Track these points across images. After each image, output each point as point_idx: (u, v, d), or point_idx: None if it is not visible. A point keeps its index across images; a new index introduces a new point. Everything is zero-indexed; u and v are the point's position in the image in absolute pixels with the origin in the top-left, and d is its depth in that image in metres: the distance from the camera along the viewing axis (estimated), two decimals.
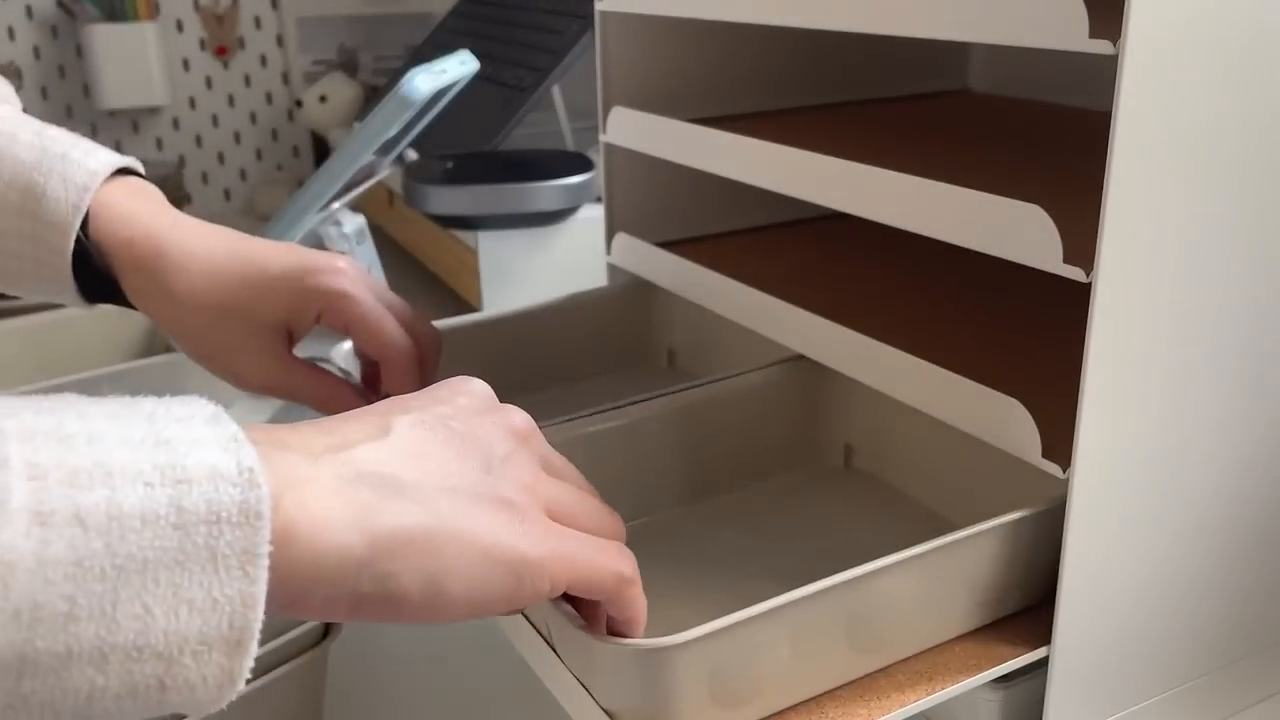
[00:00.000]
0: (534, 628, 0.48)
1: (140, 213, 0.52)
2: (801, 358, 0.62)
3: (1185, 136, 0.42)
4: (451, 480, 0.34)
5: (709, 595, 0.55)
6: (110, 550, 0.26)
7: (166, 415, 0.29)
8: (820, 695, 0.45)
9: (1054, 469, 0.45)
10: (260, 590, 0.28)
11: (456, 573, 0.33)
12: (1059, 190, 0.54)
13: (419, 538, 0.32)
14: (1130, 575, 0.48)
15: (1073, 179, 0.57)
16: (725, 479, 0.63)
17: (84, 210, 0.49)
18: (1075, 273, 0.42)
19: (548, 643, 0.47)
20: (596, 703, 0.43)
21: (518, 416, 0.40)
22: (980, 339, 0.59)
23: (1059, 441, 0.45)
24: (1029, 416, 0.46)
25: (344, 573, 0.31)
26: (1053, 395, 0.49)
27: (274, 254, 0.54)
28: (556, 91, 1.10)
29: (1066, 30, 0.41)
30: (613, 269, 0.78)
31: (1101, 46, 0.40)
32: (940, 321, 0.62)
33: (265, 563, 0.28)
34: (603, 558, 0.37)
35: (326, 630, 0.54)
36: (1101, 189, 0.41)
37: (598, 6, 0.72)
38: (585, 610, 0.41)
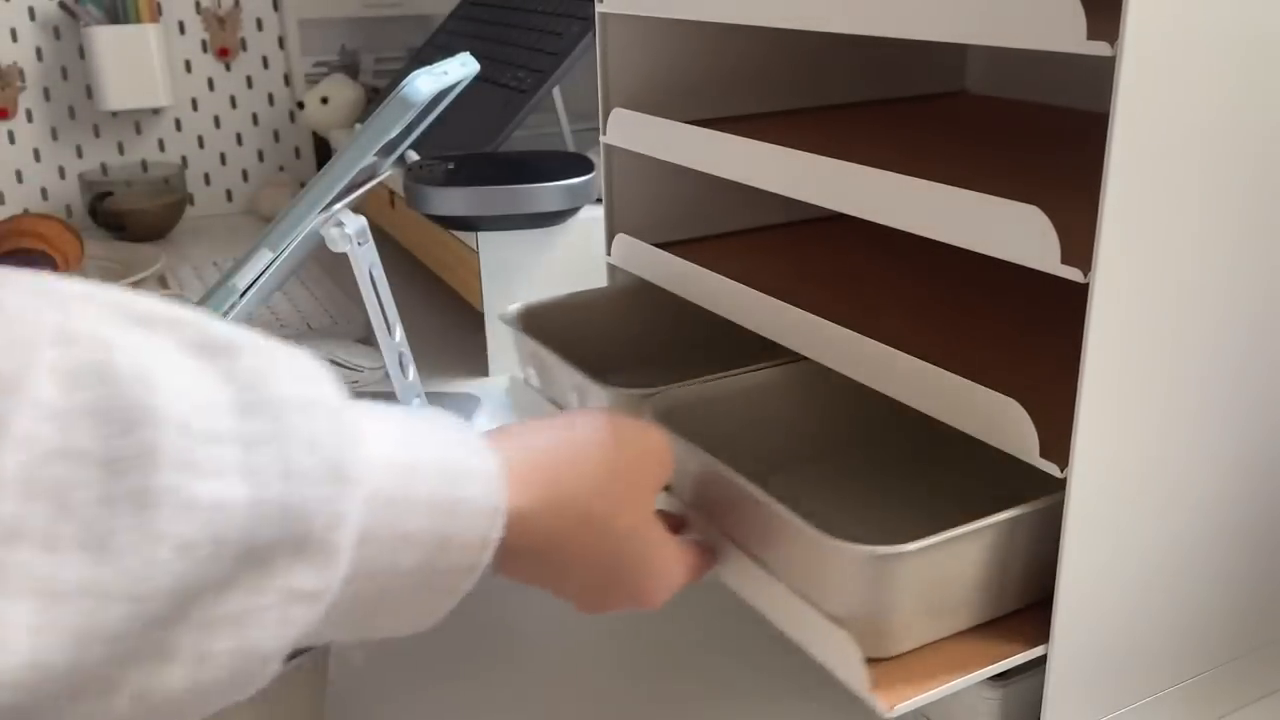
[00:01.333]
0: (739, 549, 0.53)
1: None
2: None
3: (1183, 137, 0.42)
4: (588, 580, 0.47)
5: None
6: (380, 590, 0.36)
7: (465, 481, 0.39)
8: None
9: (1052, 468, 0.46)
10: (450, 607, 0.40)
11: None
12: (1057, 191, 0.54)
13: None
14: (1128, 574, 0.49)
15: (1070, 180, 0.57)
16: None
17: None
18: (1073, 273, 0.43)
19: (756, 560, 0.52)
20: (821, 611, 0.48)
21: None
22: (979, 339, 0.60)
23: (1057, 440, 0.46)
24: (1026, 416, 0.46)
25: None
26: (1051, 395, 0.49)
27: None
28: (557, 93, 1.10)
29: (1064, 32, 0.41)
30: (613, 269, 0.78)
31: (1099, 48, 0.40)
32: (939, 321, 0.62)
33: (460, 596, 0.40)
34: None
35: None
36: (1099, 190, 0.41)
37: (598, 8, 0.72)
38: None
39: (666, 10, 0.65)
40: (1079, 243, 0.42)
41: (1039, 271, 0.44)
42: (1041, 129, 0.72)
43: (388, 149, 0.85)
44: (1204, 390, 0.47)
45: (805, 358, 0.60)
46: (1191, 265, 0.45)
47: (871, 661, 0.46)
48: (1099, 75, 0.41)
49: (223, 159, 1.61)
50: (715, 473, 0.54)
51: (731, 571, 0.54)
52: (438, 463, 0.38)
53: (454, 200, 0.96)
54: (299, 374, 0.33)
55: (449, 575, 0.38)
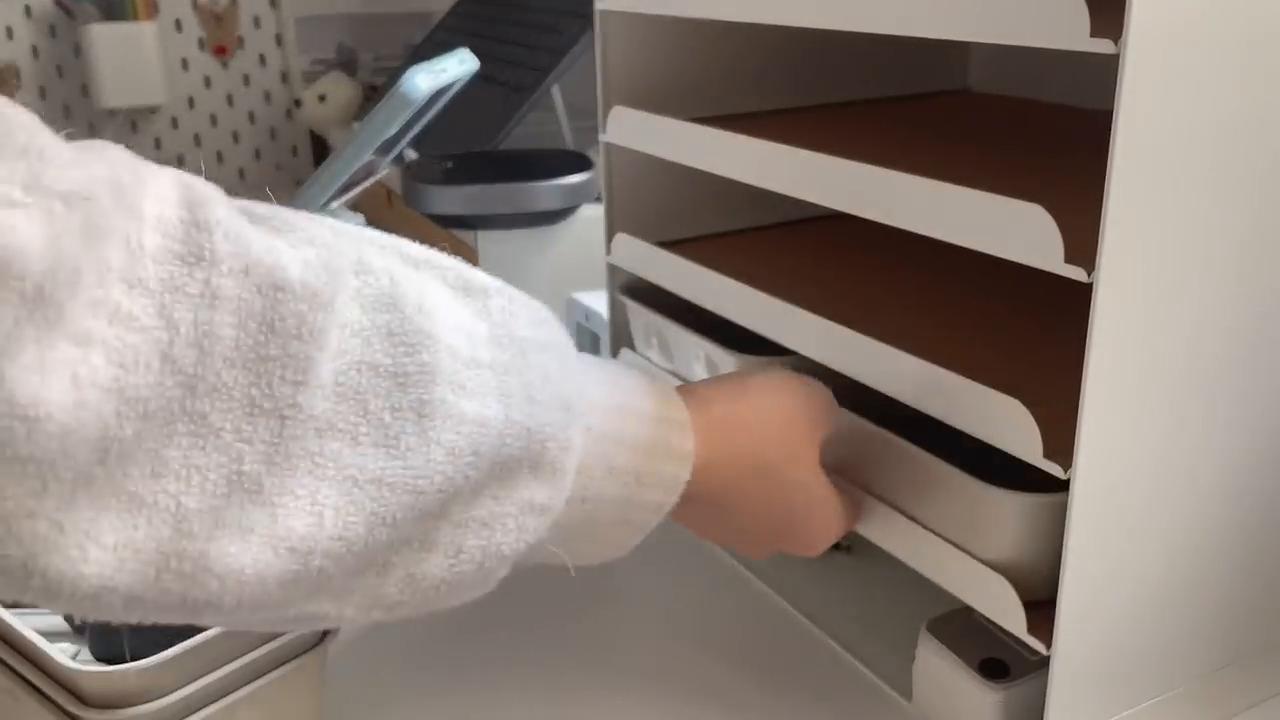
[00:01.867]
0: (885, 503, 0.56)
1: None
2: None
3: (1187, 136, 0.42)
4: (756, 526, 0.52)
5: None
6: (589, 518, 0.43)
7: (666, 427, 0.45)
8: None
9: (1055, 469, 0.45)
10: (674, 496, 0.45)
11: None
12: (1060, 190, 0.54)
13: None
14: (1132, 574, 0.48)
15: (1074, 179, 0.57)
16: None
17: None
18: (1076, 273, 0.42)
19: (902, 513, 0.55)
20: (976, 557, 0.51)
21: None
22: (981, 338, 0.59)
23: (1061, 441, 0.45)
24: (1030, 417, 0.46)
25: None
26: (1054, 395, 0.49)
27: None
28: (556, 91, 1.10)
29: (1067, 29, 0.41)
30: (612, 269, 0.77)
31: (1103, 46, 0.39)
32: (941, 321, 0.62)
33: (681, 482, 0.45)
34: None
35: (325, 631, 0.54)
36: (1102, 189, 0.41)
37: (597, 6, 0.72)
38: None
39: (666, 8, 0.65)
40: (1082, 242, 0.42)
41: (1043, 271, 0.44)
42: (1045, 127, 0.72)
43: (386, 147, 0.85)
44: (1209, 390, 0.47)
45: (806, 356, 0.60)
46: (1196, 264, 0.44)
47: (1026, 604, 0.49)
48: (1103, 73, 0.41)
49: (219, 157, 1.61)
50: (864, 430, 0.57)
51: (878, 524, 0.57)
52: (641, 411, 0.43)
53: (453, 199, 0.96)
54: (537, 318, 0.39)
55: (641, 510, 0.43)
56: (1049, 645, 0.48)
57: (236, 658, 0.49)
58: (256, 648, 0.50)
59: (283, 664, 0.52)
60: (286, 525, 0.29)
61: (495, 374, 0.35)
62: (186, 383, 0.27)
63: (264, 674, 0.51)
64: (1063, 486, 0.46)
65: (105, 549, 0.27)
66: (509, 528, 0.36)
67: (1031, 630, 0.48)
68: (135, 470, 0.27)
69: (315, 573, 0.31)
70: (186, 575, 0.28)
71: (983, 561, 0.51)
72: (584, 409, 0.39)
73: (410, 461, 0.32)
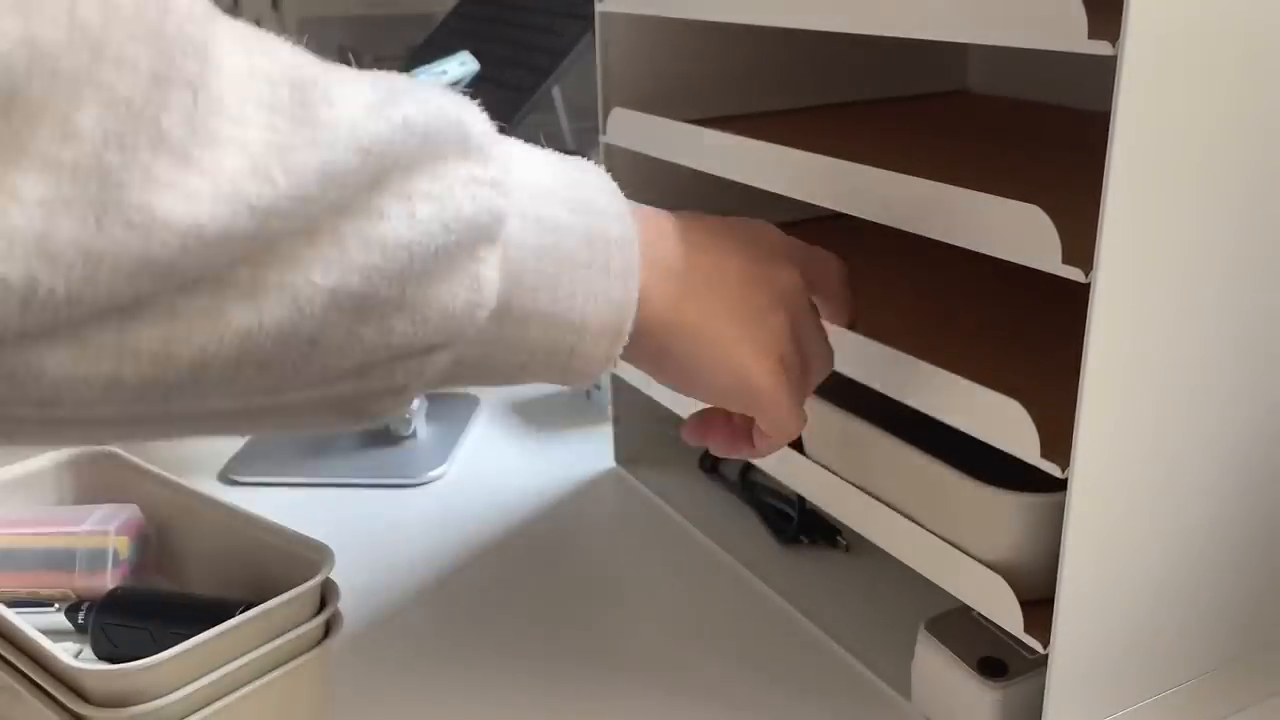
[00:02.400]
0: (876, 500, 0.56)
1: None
2: None
3: (1184, 136, 0.42)
4: (739, 310, 0.45)
5: None
6: (556, 245, 0.39)
7: (595, 184, 0.42)
8: None
9: (1053, 469, 0.46)
10: (634, 297, 0.41)
11: (705, 373, 0.45)
12: (1058, 191, 0.54)
13: (693, 338, 0.44)
14: (1130, 573, 0.49)
15: (1071, 179, 0.57)
16: None
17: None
18: (1074, 273, 0.43)
19: (901, 513, 0.55)
20: (973, 557, 0.51)
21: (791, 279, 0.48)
22: (979, 338, 0.59)
23: (1059, 441, 0.46)
24: (1027, 416, 0.46)
25: (646, 325, 0.43)
26: (1052, 395, 0.49)
27: None
28: (557, 92, 1.10)
29: (1065, 31, 0.41)
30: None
31: (1100, 47, 0.40)
32: (939, 320, 0.62)
33: (637, 278, 0.41)
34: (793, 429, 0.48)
35: (328, 630, 0.54)
36: (1100, 189, 0.41)
37: (598, 7, 0.72)
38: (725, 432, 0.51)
39: (666, 9, 0.65)
40: (1080, 242, 0.42)
41: (1040, 271, 0.44)
42: (1043, 128, 0.72)
43: None
44: (1205, 390, 0.47)
45: None
46: (1193, 264, 0.44)
47: (1024, 603, 0.49)
48: (1101, 74, 0.41)
49: None
50: (863, 432, 0.57)
51: (878, 524, 0.57)
52: (570, 173, 0.41)
53: None
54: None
55: (605, 247, 0.40)
56: (1047, 644, 0.48)
57: (239, 655, 0.50)
58: (259, 645, 0.50)
59: (286, 661, 0.52)
60: (231, 181, 0.29)
61: (398, 92, 0.35)
62: (93, 47, 0.27)
63: (267, 672, 0.51)
64: (1060, 486, 0.46)
65: (28, 203, 0.26)
66: (458, 196, 0.35)
67: (1029, 629, 0.48)
68: (45, 131, 0.26)
69: (272, 234, 0.31)
70: (136, 226, 0.28)
71: (981, 561, 0.51)
72: (502, 151, 0.37)
73: (336, 133, 0.32)
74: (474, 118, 0.37)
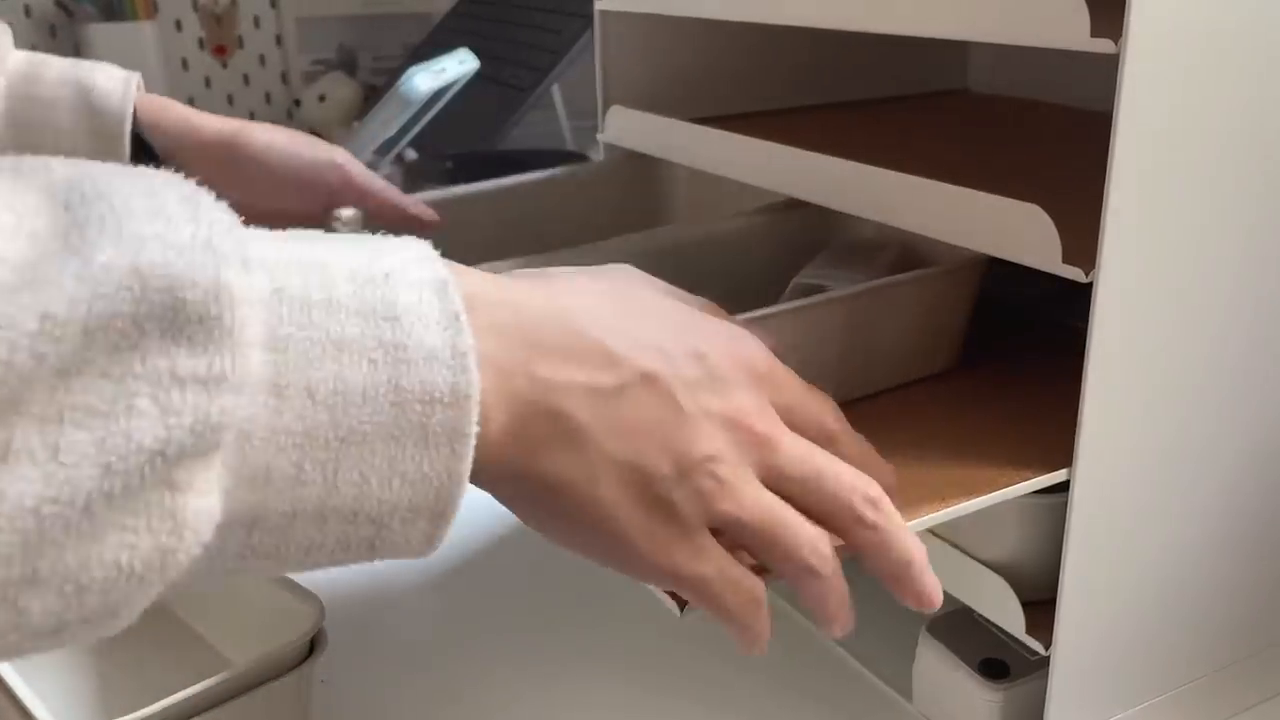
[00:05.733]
0: None
1: (178, 107, 0.62)
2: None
3: (1186, 136, 0.42)
4: (636, 460, 0.33)
5: None
6: (335, 423, 0.28)
7: (398, 278, 0.30)
8: None
9: (1077, 273, 0.44)
10: (465, 467, 0.30)
11: (593, 546, 0.35)
12: (1059, 190, 0.54)
13: (571, 496, 0.33)
14: (1132, 574, 0.48)
15: (1073, 179, 0.57)
16: None
17: (132, 100, 0.54)
18: (1075, 273, 0.42)
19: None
20: (974, 557, 0.50)
21: (755, 353, 0.36)
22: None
23: (1061, 440, 0.45)
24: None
25: (503, 477, 0.32)
26: (1053, 394, 0.49)
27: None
28: (556, 91, 1.10)
29: (1067, 29, 0.41)
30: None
31: (1103, 46, 0.39)
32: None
33: (472, 442, 0.30)
34: (732, 600, 0.35)
35: (311, 649, 0.53)
36: (1101, 189, 0.41)
37: (597, 6, 0.72)
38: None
39: (666, 8, 0.65)
40: (1081, 242, 0.42)
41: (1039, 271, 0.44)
42: (1044, 128, 0.72)
43: (386, 147, 0.85)
44: (1209, 390, 0.47)
45: None
46: (1196, 264, 0.44)
47: (1026, 604, 0.48)
48: (1103, 73, 0.41)
49: None
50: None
51: None
52: (352, 261, 0.29)
53: None
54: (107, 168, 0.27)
55: (426, 406, 0.29)
56: (1048, 645, 0.48)
57: (217, 670, 0.49)
58: (237, 697, 0.49)
59: (264, 682, 0.50)
60: None
61: (53, 223, 0.24)
62: None
63: (244, 691, 0.50)
64: (1062, 488, 0.46)
65: None
66: (141, 409, 0.24)
67: (1031, 630, 0.48)
68: None
69: None
70: None
71: (982, 562, 0.51)
72: (247, 254, 0.27)
73: None
74: (196, 262, 0.25)
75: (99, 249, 0.24)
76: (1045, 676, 0.48)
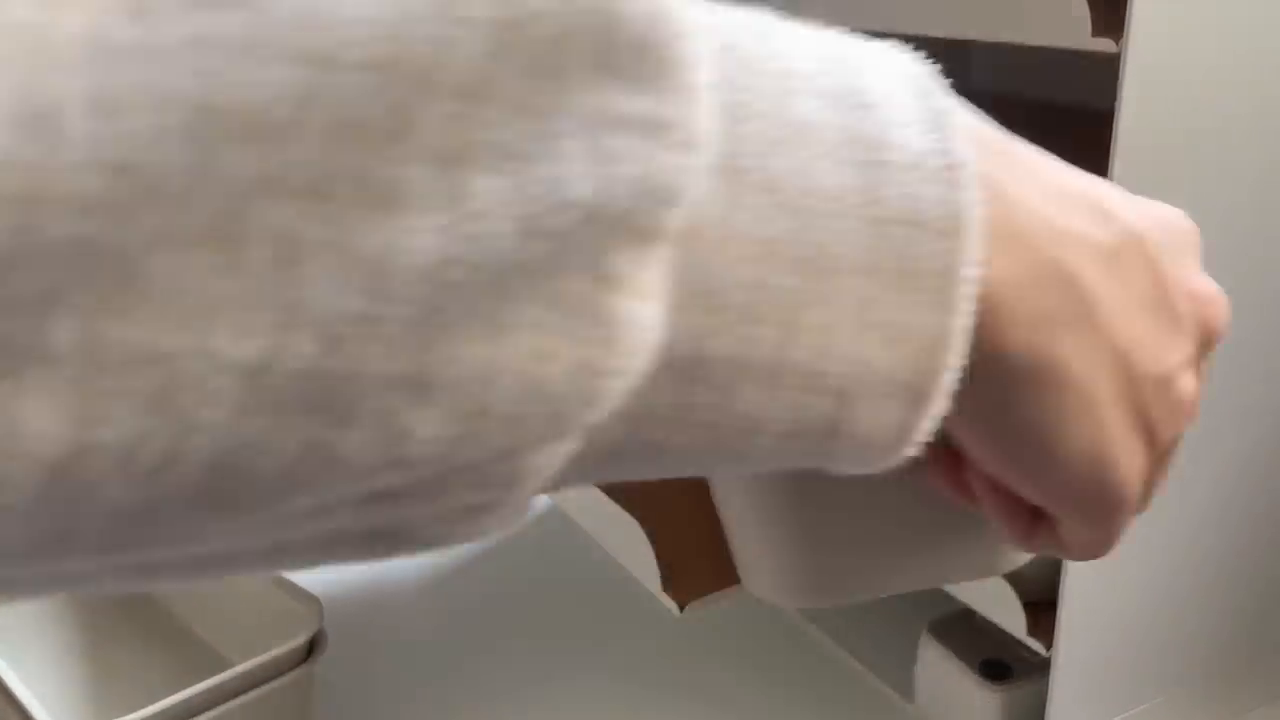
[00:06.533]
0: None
1: None
2: None
3: (1187, 135, 0.42)
4: (1131, 351, 0.25)
5: None
6: (800, 237, 0.20)
7: (866, 62, 0.22)
8: None
9: None
10: (959, 324, 0.21)
11: (1059, 463, 0.25)
12: None
13: (1063, 389, 0.24)
14: (1133, 577, 0.48)
15: None
16: None
17: None
18: None
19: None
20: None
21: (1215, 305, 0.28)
22: None
23: None
24: None
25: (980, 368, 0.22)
26: None
27: None
28: None
29: (1069, 29, 0.41)
30: None
31: (1104, 45, 0.39)
32: None
33: (970, 289, 0.21)
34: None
35: (311, 649, 0.53)
36: None
37: None
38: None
39: None
40: None
41: None
42: (1045, 126, 0.72)
43: None
44: (1211, 391, 0.47)
45: None
46: None
47: (1027, 605, 0.48)
48: (1104, 72, 0.41)
49: None
50: None
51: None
52: (805, 33, 0.23)
53: None
54: None
55: (912, 230, 0.21)
56: (1050, 647, 0.48)
57: (217, 672, 0.49)
58: (237, 697, 0.49)
59: (266, 682, 0.50)
60: None
61: None
62: None
63: (245, 691, 0.50)
64: None
65: None
66: (568, 152, 0.17)
67: (1032, 632, 0.48)
68: None
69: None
70: None
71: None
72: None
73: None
74: None
75: None
76: (1046, 678, 0.48)
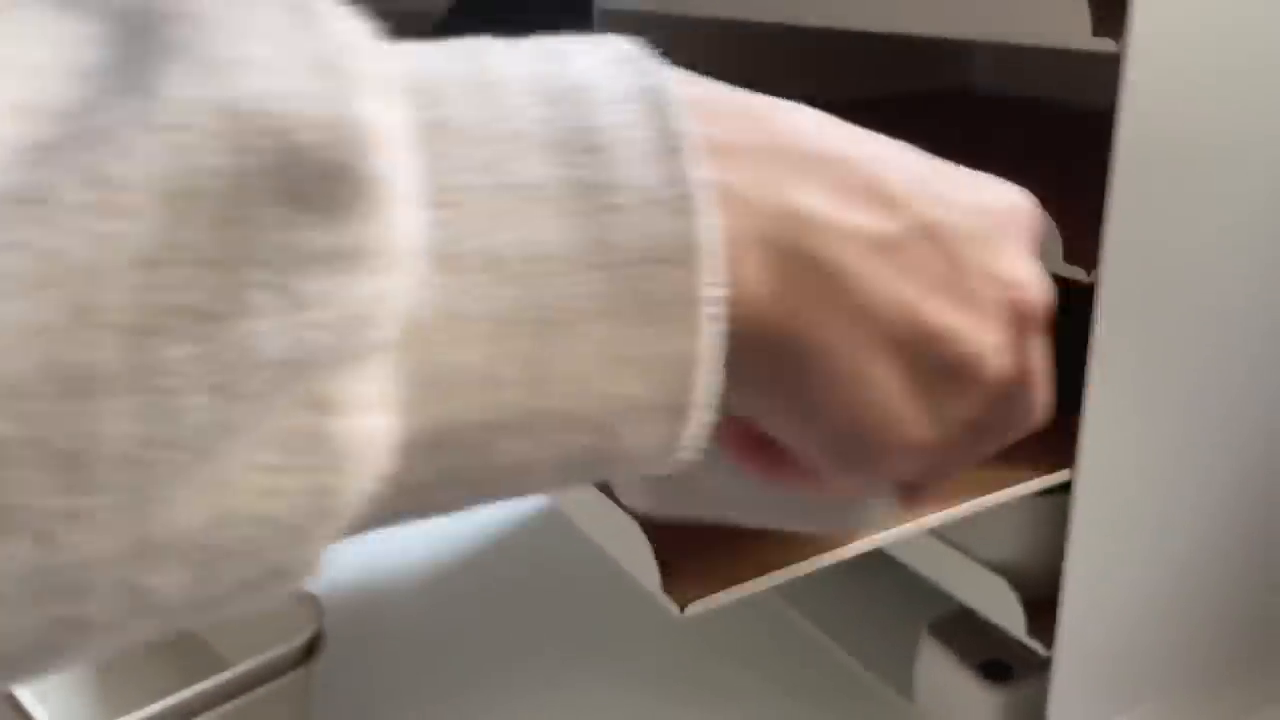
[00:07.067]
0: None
1: None
2: None
3: (1188, 135, 0.42)
4: (911, 330, 0.26)
5: None
6: (530, 301, 0.20)
7: (595, 92, 0.22)
8: None
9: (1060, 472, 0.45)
10: (704, 343, 0.22)
11: (838, 433, 0.26)
12: (1060, 189, 0.54)
13: (830, 369, 0.25)
14: (1133, 577, 0.48)
15: (1075, 178, 0.56)
16: None
17: None
18: (1076, 272, 0.42)
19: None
20: (978, 559, 0.50)
21: (1033, 213, 0.29)
22: None
23: (1062, 442, 0.45)
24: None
25: (754, 346, 0.24)
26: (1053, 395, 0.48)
27: None
28: None
29: (1070, 28, 0.40)
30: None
31: (1105, 44, 0.39)
32: None
33: (709, 309, 0.22)
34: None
35: (311, 649, 0.53)
36: (1103, 188, 0.41)
37: (598, 5, 0.71)
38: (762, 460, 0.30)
39: (666, 7, 0.64)
40: (1083, 241, 0.42)
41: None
42: (1046, 126, 0.72)
43: None
44: (1210, 390, 0.47)
45: None
46: (1197, 263, 0.44)
47: (1027, 605, 0.48)
48: (1105, 72, 0.41)
49: None
50: None
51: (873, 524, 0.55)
52: (530, 70, 0.24)
53: None
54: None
55: (648, 267, 0.21)
56: (1050, 646, 0.48)
57: (216, 673, 0.49)
58: (234, 699, 0.49)
59: (264, 683, 0.50)
60: None
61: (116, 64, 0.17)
62: None
63: (243, 692, 0.50)
64: (1064, 488, 0.45)
65: None
66: (257, 305, 0.17)
67: (1032, 631, 0.48)
68: None
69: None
70: None
71: (983, 562, 0.50)
72: (381, 69, 0.20)
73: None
74: (314, 92, 0.18)
75: (173, 83, 0.17)
76: (1047, 678, 0.48)
